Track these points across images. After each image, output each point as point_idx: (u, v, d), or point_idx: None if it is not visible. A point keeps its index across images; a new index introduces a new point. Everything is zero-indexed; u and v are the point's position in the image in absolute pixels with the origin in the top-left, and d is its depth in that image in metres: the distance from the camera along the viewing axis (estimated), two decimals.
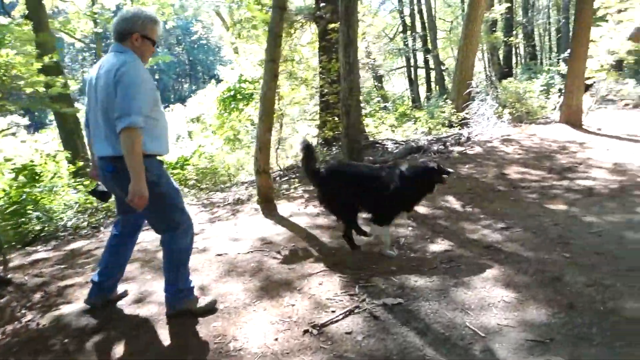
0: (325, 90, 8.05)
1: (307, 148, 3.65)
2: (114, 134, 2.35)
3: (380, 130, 9.80)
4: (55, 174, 6.88)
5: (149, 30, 2.55)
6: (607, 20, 12.20)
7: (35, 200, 5.73)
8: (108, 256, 2.89)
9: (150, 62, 3.51)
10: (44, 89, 7.08)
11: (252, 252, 3.82)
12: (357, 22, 5.95)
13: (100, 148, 2.51)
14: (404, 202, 3.55)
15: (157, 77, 41.64)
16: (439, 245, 3.74)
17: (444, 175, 3.56)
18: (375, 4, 23.55)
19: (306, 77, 8.81)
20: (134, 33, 2.50)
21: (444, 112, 9.63)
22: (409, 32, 21.27)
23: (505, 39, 16.42)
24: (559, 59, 14.61)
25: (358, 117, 6.07)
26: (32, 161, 6.70)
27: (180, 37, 50.69)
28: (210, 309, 2.81)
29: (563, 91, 8.88)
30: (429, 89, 21.35)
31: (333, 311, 2.72)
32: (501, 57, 19.14)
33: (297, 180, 6.58)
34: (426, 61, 22.09)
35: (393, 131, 10.10)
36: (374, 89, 17.55)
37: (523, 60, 22.34)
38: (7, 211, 5.41)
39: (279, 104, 7.63)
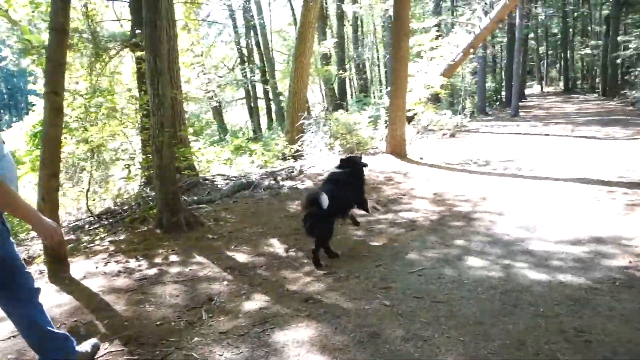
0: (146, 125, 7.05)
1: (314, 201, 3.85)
2: None
3: (213, 166, 9.05)
4: None
5: None
6: (422, 57, 13.66)
7: None
8: None
9: None
10: None
11: (12, 337, 2.87)
12: (165, 51, 5.25)
13: None
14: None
15: None
16: (255, 303, 3.36)
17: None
18: (213, 35, 23.00)
19: (123, 109, 7.66)
20: None
21: (277, 144, 9.34)
22: (246, 64, 21.16)
23: (337, 72, 17.32)
24: (382, 93, 15.87)
25: (171, 156, 5.26)
26: None
27: None
28: None
29: (387, 123, 9.33)
30: (270, 120, 21.43)
31: None
32: (336, 89, 20.15)
33: (106, 228, 5.56)
34: (266, 92, 22.23)
35: (230, 166, 9.47)
36: (210, 121, 16.81)
37: (356, 92, 24.05)
38: None
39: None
